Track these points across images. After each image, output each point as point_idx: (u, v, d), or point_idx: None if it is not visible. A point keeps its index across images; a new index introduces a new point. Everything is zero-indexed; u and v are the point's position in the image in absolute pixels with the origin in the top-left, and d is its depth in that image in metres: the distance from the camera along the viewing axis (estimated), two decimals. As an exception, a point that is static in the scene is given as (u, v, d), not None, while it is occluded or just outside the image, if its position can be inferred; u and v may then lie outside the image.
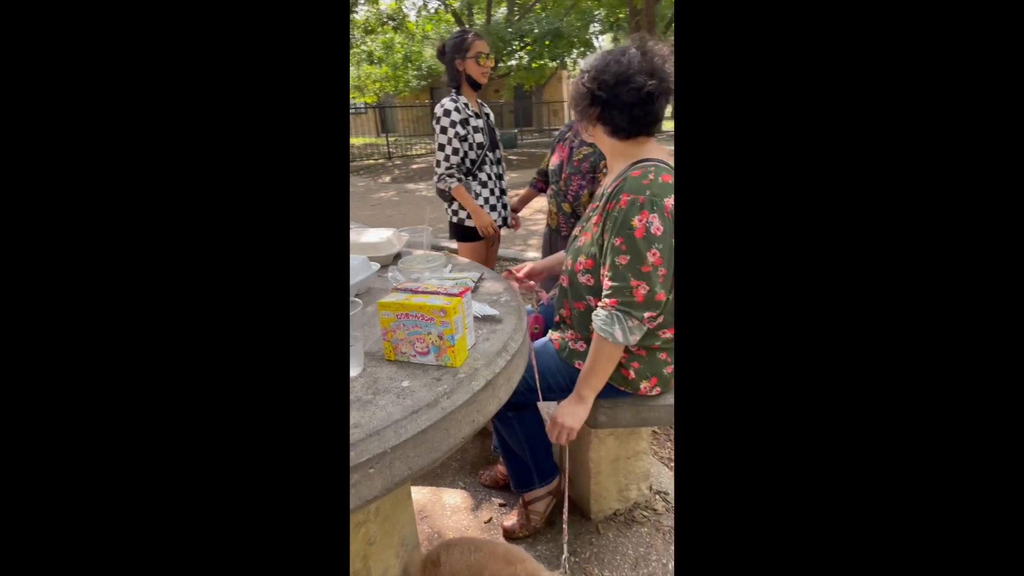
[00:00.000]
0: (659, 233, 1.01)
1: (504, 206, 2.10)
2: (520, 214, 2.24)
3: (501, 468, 1.58)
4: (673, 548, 1.32)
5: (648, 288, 1.02)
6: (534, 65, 12.79)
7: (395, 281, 1.18)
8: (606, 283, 1.07)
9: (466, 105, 1.94)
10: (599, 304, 1.09)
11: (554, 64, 13.29)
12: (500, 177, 2.09)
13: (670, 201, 1.02)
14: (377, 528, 1.04)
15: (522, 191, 2.23)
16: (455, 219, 2.04)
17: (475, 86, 1.96)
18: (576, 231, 1.27)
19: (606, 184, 1.17)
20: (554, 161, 1.87)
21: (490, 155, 2.02)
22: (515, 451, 1.37)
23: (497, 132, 2.13)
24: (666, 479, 1.57)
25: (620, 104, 1.03)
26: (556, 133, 2.01)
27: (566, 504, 1.16)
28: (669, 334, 1.16)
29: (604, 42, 12.79)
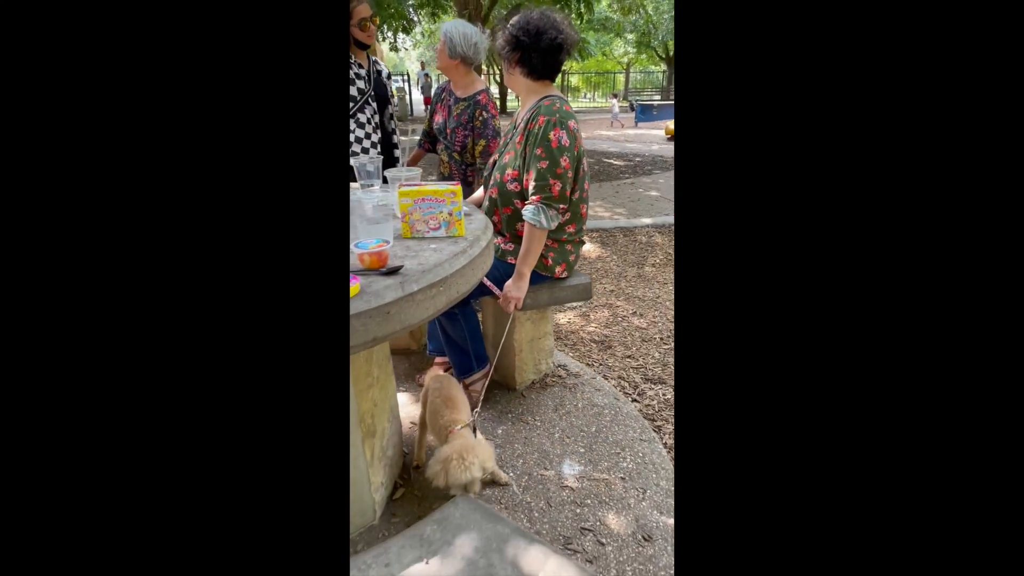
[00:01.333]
0: (567, 145, 1.43)
1: (381, 155, 2.27)
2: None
3: (436, 369, 1.89)
4: (579, 394, 1.81)
5: (561, 186, 1.44)
6: (354, 34, 12.22)
7: (359, 201, 1.39)
8: (531, 185, 1.46)
9: (352, 60, 2.10)
10: (526, 202, 1.47)
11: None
12: (387, 133, 2.27)
13: (572, 123, 1.44)
14: (378, 393, 1.28)
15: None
16: None
17: (362, 47, 2.13)
18: (495, 156, 1.62)
19: (521, 115, 1.55)
20: (437, 120, 2.16)
21: (372, 103, 2.18)
22: (458, 343, 1.69)
23: (389, 87, 2.31)
24: (561, 357, 2.06)
25: (539, 49, 1.41)
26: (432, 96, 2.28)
27: (490, 376, 1.53)
28: (571, 229, 1.60)
29: (423, 17, 12.84)
